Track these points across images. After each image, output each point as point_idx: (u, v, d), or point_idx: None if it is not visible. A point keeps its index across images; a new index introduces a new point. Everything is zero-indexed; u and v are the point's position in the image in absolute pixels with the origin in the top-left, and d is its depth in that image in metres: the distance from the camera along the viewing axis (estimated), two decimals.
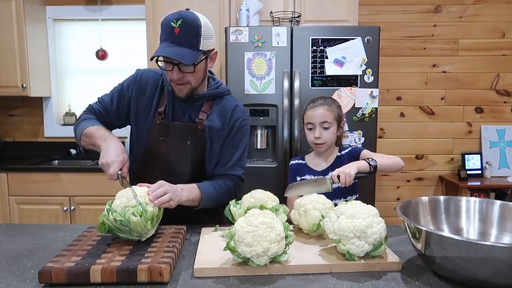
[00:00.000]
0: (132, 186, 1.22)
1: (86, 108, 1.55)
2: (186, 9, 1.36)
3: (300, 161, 1.74)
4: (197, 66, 1.35)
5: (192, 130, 1.46)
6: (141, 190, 1.21)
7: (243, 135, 1.53)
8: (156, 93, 1.49)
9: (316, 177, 1.63)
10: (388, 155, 1.57)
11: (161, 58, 1.35)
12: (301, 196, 1.39)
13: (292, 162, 1.77)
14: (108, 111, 1.52)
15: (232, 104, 1.52)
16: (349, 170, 1.39)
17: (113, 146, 1.34)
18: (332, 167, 1.65)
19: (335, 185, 1.41)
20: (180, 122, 1.47)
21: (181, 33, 1.30)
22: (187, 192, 1.35)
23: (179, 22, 1.29)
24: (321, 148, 1.65)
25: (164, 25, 1.32)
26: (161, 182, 1.26)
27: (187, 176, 1.48)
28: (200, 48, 1.34)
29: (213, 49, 1.42)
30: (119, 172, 1.28)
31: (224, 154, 1.51)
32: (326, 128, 1.63)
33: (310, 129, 1.66)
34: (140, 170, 1.51)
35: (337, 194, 1.58)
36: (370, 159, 1.47)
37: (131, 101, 1.50)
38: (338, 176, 1.39)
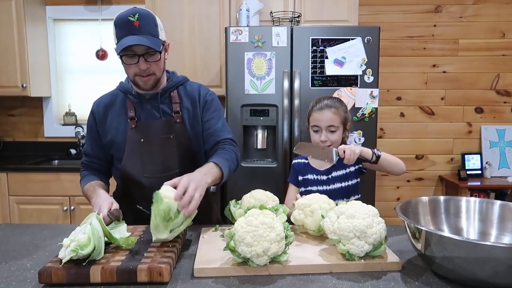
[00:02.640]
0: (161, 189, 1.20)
1: (80, 165, 1.62)
2: (134, 7, 1.41)
3: (303, 161, 1.73)
4: (161, 55, 1.41)
5: (172, 124, 1.49)
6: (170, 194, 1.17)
7: (216, 108, 1.57)
8: (119, 107, 1.52)
9: (323, 147, 1.58)
10: (392, 156, 1.57)
11: (123, 53, 1.38)
12: (302, 195, 1.39)
13: (295, 161, 1.76)
14: (96, 157, 1.58)
15: (195, 85, 1.59)
16: (355, 148, 1.43)
17: (95, 197, 1.37)
18: (335, 167, 1.64)
19: (337, 161, 1.46)
20: (154, 119, 1.49)
21: (141, 25, 1.36)
22: (210, 175, 1.33)
23: (136, 16, 1.35)
24: None
25: (121, 22, 1.37)
26: (183, 183, 1.19)
27: (176, 169, 1.49)
28: (160, 37, 1.41)
29: (166, 41, 1.48)
30: (108, 213, 1.26)
31: (207, 127, 1.54)
32: (332, 131, 1.61)
33: (316, 131, 1.64)
34: (127, 181, 1.51)
35: (340, 195, 1.58)
36: (376, 149, 1.49)
37: (99, 130, 1.54)
38: (344, 152, 1.42)
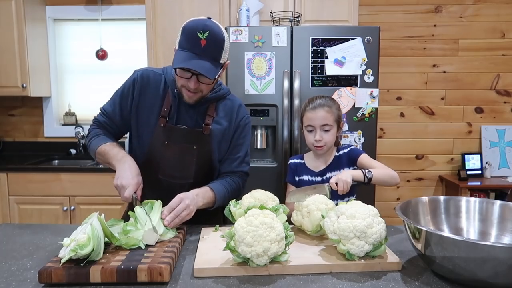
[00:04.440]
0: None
1: (93, 122, 1.56)
2: (208, 18, 1.34)
3: (299, 161, 1.74)
4: (214, 79, 1.36)
5: (199, 135, 1.47)
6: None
7: (247, 133, 1.57)
8: (158, 94, 1.47)
9: (315, 185, 1.61)
10: (385, 168, 1.55)
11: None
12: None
13: (291, 161, 1.76)
14: (113, 121, 1.52)
15: (236, 103, 1.55)
16: (346, 178, 1.40)
17: (127, 168, 1.36)
18: (330, 168, 1.65)
19: (331, 194, 1.43)
20: (185, 126, 1.46)
21: (207, 46, 1.29)
22: (202, 197, 1.39)
23: (206, 34, 1.28)
24: (321, 150, 1.64)
25: (190, 33, 1.29)
26: (177, 200, 1.30)
27: (191, 179, 1.49)
28: (221, 61, 1.34)
29: (227, 61, 1.41)
30: (134, 196, 1.30)
31: (231, 152, 1.55)
32: (326, 131, 1.61)
33: (310, 131, 1.64)
34: (142, 173, 1.49)
35: (334, 195, 1.58)
36: (367, 171, 1.47)
37: (133, 103, 1.49)
38: (336, 183, 1.39)
